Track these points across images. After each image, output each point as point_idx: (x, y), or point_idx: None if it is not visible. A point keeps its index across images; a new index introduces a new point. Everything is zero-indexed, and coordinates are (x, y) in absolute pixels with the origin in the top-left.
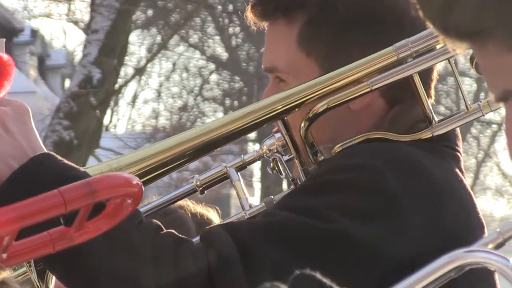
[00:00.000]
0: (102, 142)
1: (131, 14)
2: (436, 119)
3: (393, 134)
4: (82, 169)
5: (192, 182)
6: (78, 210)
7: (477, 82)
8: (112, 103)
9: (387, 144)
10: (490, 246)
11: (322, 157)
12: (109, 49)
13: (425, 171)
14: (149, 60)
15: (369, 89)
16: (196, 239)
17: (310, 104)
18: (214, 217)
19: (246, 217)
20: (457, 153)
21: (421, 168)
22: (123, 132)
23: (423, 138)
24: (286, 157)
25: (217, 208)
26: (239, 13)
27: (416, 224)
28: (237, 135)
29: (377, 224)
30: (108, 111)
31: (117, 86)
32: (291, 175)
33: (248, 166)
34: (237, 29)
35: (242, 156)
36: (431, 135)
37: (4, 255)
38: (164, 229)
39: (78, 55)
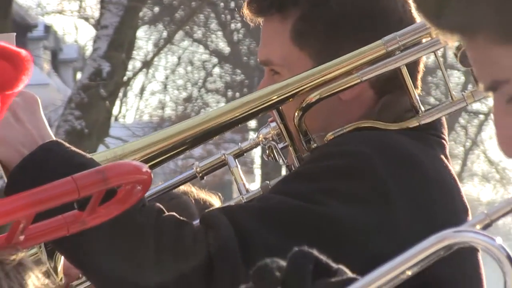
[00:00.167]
0: (112, 131)
1: (139, 11)
2: (423, 109)
3: (382, 123)
4: (88, 156)
5: (193, 168)
6: (91, 196)
7: (465, 74)
8: (120, 94)
9: (376, 132)
10: (478, 226)
11: (315, 145)
12: (117, 43)
13: (413, 158)
14: (156, 54)
15: (359, 81)
16: (196, 222)
17: (304, 94)
18: (216, 202)
19: (243, 201)
20: (443, 140)
21: (408, 155)
22: (131, 122)
23: (410, 126)
24: (281, 145)
25: (219, 194)
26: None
27: (404, 210)
28: (234, 123)
29: (367, 208)
30: (117, 102)
31: (125, 78)
32: (285, 162)
33: (246, 154)
34: (239, 25)
35: (240, 144)
36: (418, 124)
37: (22, 237)
38: (166, 212)
39: (89, 50)
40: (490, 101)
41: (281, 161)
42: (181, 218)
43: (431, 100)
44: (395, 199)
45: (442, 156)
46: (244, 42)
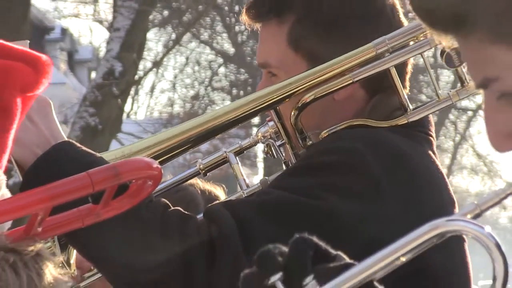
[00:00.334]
0: (124, 127)
1: (149, 15)
2: (411, 107)
3: (373, 120)
4: (98, 155)
5: (196, 165)
6: (104, 190)
7: (454, 74)
8: (132, 92)
9: (368, 129)
10: (469, 216)
11: (311, 142)
12: (129, 45)
13: (403, 154)
14: (165, 54)
15: (351, 81)
16: (200, 216)
17: (299, 95)
18: (220, 194)
19: (243, 196)
20: (430, 137)
21: (399, 151)
22: (142, 118)
23: (399, 124)
24: (278, 142)
25: (224, 186)
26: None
27: (395, 202)
28: (235, 123)
29: (360, 202)
30: (129, 100)
31: (136, 77)
32: (283, 158)
33: (246, 151)
34: (243, 27)
35: (240, 142)
36: (406, 121)
37: (39, 229)
38: (171, 206)
39: (103, 51)
40: (478, 98)
41: (278, 157)
42: (186, 212)
43: (423, 97)
44: (388, 192)
45: (430, 152)
46: (247, 43)
